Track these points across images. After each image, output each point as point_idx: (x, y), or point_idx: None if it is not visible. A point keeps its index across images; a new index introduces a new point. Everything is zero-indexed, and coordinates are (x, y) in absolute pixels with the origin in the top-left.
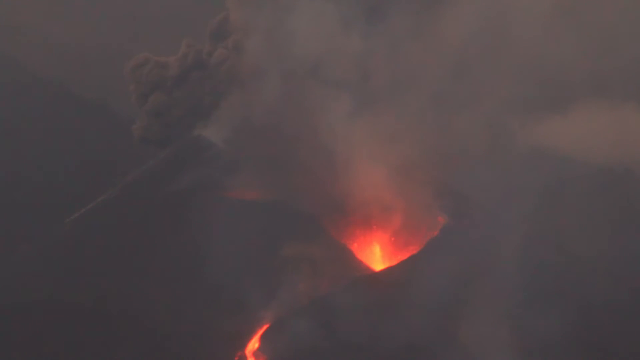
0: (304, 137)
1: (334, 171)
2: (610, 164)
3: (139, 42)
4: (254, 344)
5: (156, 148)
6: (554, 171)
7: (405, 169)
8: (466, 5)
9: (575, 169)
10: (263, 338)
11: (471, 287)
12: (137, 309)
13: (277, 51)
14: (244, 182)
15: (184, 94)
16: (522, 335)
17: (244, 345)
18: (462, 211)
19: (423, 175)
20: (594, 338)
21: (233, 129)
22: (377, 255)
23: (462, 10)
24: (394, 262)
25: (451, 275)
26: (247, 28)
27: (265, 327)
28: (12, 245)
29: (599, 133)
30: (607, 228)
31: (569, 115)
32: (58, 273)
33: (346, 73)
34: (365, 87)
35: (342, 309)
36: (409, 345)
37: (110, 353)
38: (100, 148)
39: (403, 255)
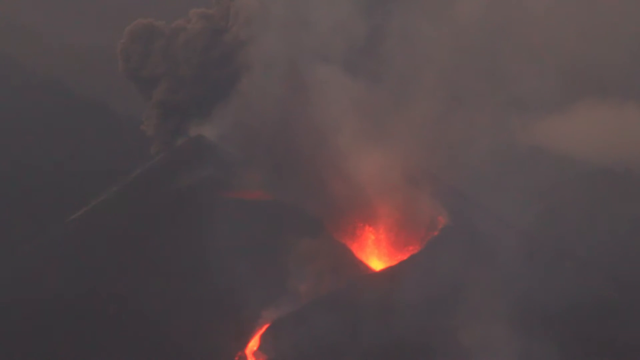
0: (304, 137)
1: (334, 171)
2: (610, 164)
3: None
4: (254, 344)
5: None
6: (554, 171)
7: (405, 168)
8: (466, 5)
9: (575, 169)
10: (263, 338)
11: (471, 286)
12: (138, 309)
13: (282, 40)
14: (244, 182)
15: (196, 86)
16: (521, 335)
17: (244, 345)
18: (462, 211)
19: (423, 175)
20: (594, 337)
21: (234, 129)
22: (377, 255)
23: (462, 9)
24: (394, 262)
25: (451, 275)
26: (252, 16)
27: (265, 327)
28: (12, 245)
29: (599, 133)
30: (607, 228)
31: (569, 115)
32: (58, 273)
33: (347, 69)
34: (365, 85)
35: (341, 309)
36: (408, 345)
37: (111, 352)
38: (101, 148)
39: (403, 255)
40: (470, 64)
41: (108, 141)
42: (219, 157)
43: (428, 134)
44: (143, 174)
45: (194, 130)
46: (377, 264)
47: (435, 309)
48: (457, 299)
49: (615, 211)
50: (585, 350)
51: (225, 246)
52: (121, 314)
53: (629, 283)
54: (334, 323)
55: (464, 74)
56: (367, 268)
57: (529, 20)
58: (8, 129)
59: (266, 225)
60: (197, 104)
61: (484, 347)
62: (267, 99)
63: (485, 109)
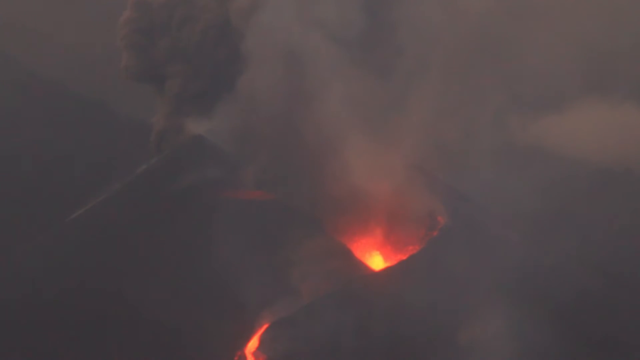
0: (304, 137)
1: (334, 171)
2: (610, 164)
3: None
4: (254, 343)
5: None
6: (554, 171)
7: (405, 168)
8: (465, 4)
9: (575, 169)
10: (263, 338)
11: (471, 286)
12: (137, 309)
13: (282, 33)
14: (244, 182)
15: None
16: (521, 336)
17: (243, 345)
18: (462, 211)
19: (423, 175)
20: (593, 339)
21: (233, 127)
22: (376, 255)
23: (460, 8)
24: (393, 262)
25: (451, 275)
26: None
27: (265, 327)
28: (12, 245)
29: (599, 133)
30: (607, 228)
31: (569, 114)
32: (58, 273)
33: (348, 66)
34: (366, 83)
35: (341, 309)
36: (408, 345)
37: (111, 352)
38: (100, 148)
39: (403, 255)
40: (471, 63)
41: (108, 141)
42: (219, 157)
43: (428, 133)
44: (143, 174)
45: (193, 127)
46: (377, 264)
47: (436, 308)
48: (458, 299)
49: (615, 211)
50: (586, 347)
51: (225, 246)
52: (121, 313)
53: (629, 284)
54: (333, 323)
55: (464, 72)
56: (367, 268)
57: (529, 19)
58: (8, 129)
59: (266, 226)
60: (205, 97)
61: (485, 347)
62: (266, 96)
63: (485, 108)
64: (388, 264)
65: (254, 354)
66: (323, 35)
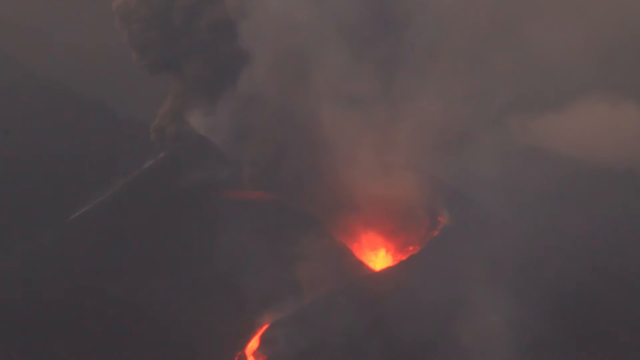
0: (304, 137)
1: (334, 171)
2: (610, 164)
3: None
4: (254, 344)
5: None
6: (554, 171)
7: (405, 168)
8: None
9: (575, 169)
10: (263, 338)
11: (471, 287)
12: (137, 309)
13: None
14: (246, 183)
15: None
16: (521, 336)
17: (244, 345)
18: (463, 211)
19: (423, 175)
20: (593, 338)
21: (233, 128)
22: (377, 255)
23: (462, 7)
24: (393, 262)
25: (451, 275)
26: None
27: (265, 327)
28: (12, 245)
29: (599, 133)
30: (607, 228)
31: (569, 114)
32: (58, 273)
33: (346, 66)
34: (366, 82)
35: (341, 309)
36: (407, 345)
37: (110, 353)
38: (101, 148)
39: (403, 255)
40: (470, 63)
41: (108, 141)
42: (221, 157)
43: (429, 132)
44: (142, 174)
45: (196, 122)
46: (377, 264)
47: (435, 308)
48: (457, 299)
49: (615, 211)
50: (585, 345)
51: (225, 246)
52: (121, 313)
53: (629, 283)
54: (333, 323)
55: (463, 72)
56: (367, 268)
57: (530, 18)
58: (8, 129)
59: (266, 226)
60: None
61: (485, 345)
62: (266, 92)
63: (486, 108)
64: (388, 264)
65: (254, 354)
66: (325, 29)
